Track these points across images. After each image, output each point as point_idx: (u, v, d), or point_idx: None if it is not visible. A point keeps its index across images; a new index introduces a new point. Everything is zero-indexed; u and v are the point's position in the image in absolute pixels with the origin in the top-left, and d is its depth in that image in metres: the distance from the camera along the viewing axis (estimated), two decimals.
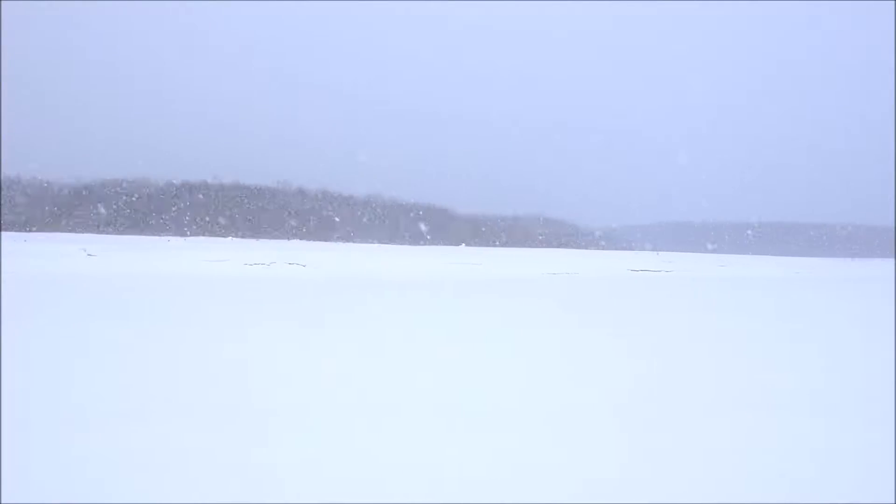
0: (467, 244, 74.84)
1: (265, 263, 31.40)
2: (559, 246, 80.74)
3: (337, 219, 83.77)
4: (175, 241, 52.51)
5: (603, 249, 79.63)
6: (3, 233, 45.00)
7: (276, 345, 8.84)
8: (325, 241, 70.94)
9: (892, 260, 74.59)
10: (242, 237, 68.77)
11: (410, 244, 72.86)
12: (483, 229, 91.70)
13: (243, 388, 6.16)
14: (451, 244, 76.23)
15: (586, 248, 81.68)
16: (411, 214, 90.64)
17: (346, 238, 77.55)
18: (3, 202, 68.85)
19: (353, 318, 12.51)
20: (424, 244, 74.89)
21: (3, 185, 71.45)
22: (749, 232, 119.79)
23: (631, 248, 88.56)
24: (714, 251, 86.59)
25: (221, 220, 77.19)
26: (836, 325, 13.19)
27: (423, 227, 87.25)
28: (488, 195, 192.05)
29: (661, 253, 68.30)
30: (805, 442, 4.81)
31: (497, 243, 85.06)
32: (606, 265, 45.26)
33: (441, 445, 4.51)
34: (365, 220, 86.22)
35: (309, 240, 70.43)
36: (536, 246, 79.88)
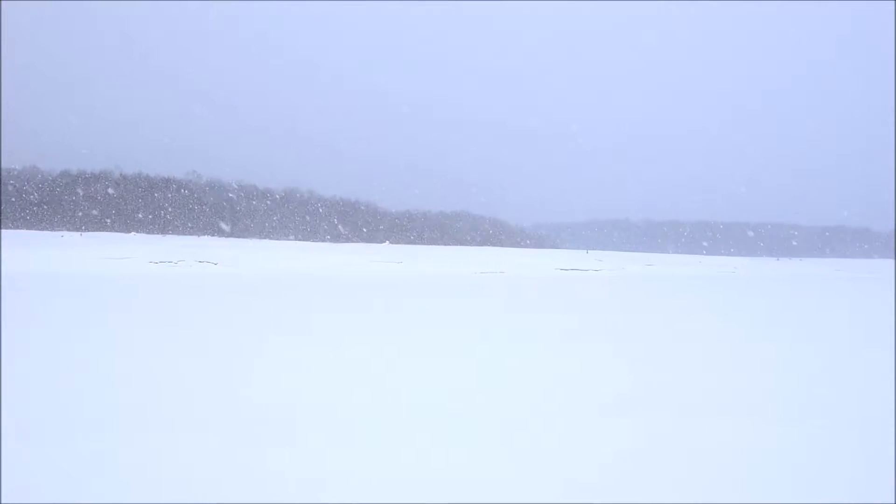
0: (392, 241, 74.57)
1: (172, 261, 30.34)
2: (488, 243, 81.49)
3: (253, 214, 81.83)
4: (70, 237, 50.07)
5: (532, 248, 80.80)
6: None
7: (159, 350, 8.49)
8: (240, 237, 69.21)
9: (816, 260, 78.85)
10: (148, 233, 66.27)
11: (331, 241, 72.02)
12: (408, 226, 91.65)
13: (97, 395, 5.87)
14: (374, 241, 75.80)
15: (515, 245, 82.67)
16: (332, 210, 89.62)
17: (263, 234, 75.90)
18: None
19: (264, 319, 12.18)
20: (346, 241, 74.19)
21: None
22: (684, 231, 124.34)
23: (561, 247, 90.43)
24: (647, 249, 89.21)
25: (124, 214, 74.03)
26: (764, 323, 13.73)
27: (344, 223, 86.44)
28: (414, 191, 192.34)
29: (591, 251, 69.83)
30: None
31: (424, 241, 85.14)
32: (535, 264, 45.93)
33: (366, 451, 4.41)
34: (283, 215, 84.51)
35: (221, 236, 68.50)
36: (464, 243, 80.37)
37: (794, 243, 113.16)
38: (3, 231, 53.33)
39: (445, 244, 76.79)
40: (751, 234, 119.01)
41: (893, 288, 31.96)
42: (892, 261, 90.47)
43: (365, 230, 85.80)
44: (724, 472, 4.33)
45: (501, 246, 79.86)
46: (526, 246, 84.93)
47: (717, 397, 6.30)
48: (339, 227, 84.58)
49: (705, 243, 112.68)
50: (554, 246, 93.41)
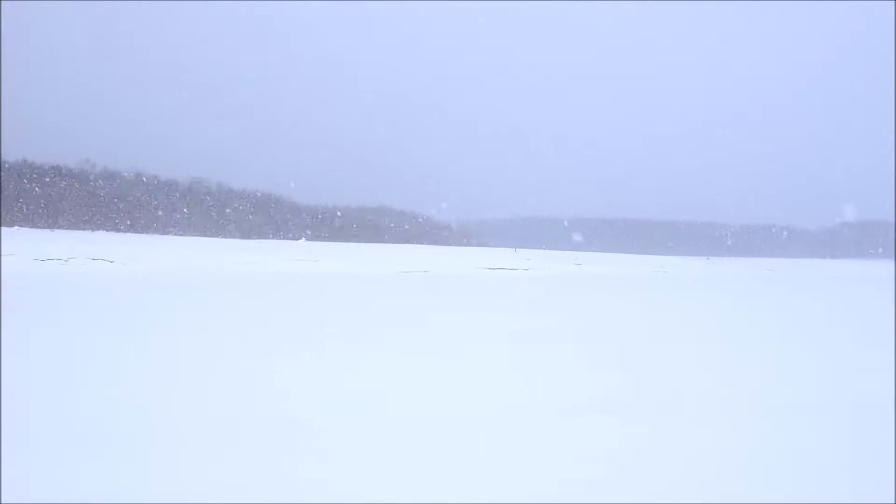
0: (308, 238, 73.60)
1: (61, 259, 29.04)
2: (411, 241, 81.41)
3: (154, 207, 79.13)
4: None
5: (458, 245, 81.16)
6: None
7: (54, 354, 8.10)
8: (139, 232, 66.91)
9: (766, 260, 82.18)
10: (34, 227, 63.15)
11: (242, 237, 70.50)
12: (326, 222, 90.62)
13: None
14: (289, 238, 74.64)
15: (440, 243, 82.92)
16: (244, 203, 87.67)
17: (166, 229, 73.60)
18: None
19: (155, 320, 11.79)
20: (257, 237, 72.77)
21: None
22: (608, 229, 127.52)
23: (488, 244, 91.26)
24: (575, 248, 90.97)
25: (5, 206, 70.21)
26: (704, 322, 14.15)
27: (257, 217, 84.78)
28: (333, 185, 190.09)
29: (518, 250, 70.63)
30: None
31: (343, 238, 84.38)
32: (461, 262, 46.21)
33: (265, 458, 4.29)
34: (188, 208, 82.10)
35: (118, 231, 65.97)
36: (386, 241, 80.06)
37: (729, 242, 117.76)
38: None
39: (366, 241, 76.24)
40: (681, 232, 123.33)
41: (820, 286, 33.60)
42: (824, 260, 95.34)
43: (280, 225, 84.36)
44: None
45: (425, 243, 79.91)
46: (451, 243, 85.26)
47: (666, 399, 6.40)
48: (252, 221, 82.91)
49: (637, 242, 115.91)
50: (481, 244, 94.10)
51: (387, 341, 10.04)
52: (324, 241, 75.97)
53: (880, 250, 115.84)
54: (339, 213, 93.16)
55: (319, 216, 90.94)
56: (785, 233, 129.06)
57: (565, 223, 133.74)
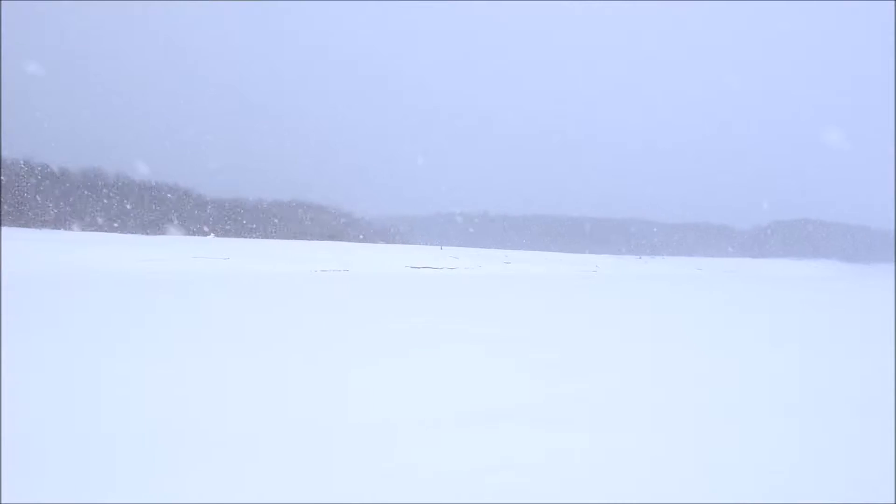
0: (218, 234, 71.77)
1: None
2: (330, 237, 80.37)
3: (39, 198, 75.46)
4: None
5: (381, 242, 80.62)
6: None
7: None
8: (27, 226, 63.72)
9: (671, 259, 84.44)
10: None
11: (142, 233, 67.99)
12: (238, 216, 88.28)
13: None
14: (195, 234, 72.55)
15: (362, 240, 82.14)
16: (145, 196, 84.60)
17: (56, 223, 70.30)
18: None
19: (37, 324, 10.80)
20: (160, 233, 70.40)
21: None
22: (535, 226, 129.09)
23: (413, 242, 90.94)
24: (504, 246, 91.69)
25: None
26: (633, 323, 14.05)
27: (160, 211, 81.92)
28: (243, 176, 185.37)
29: (445, 247, 70.66)
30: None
31: (257, 234, 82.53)
32: (384, 261, 45.72)
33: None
34: (80, 200, 78.60)
35: None
36: (303, 237, 78.79)
37: (656, 240, 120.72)
38: None
39: (282, 237, 74.76)
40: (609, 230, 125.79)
41: (747, 286, 34.52)
42: (753, 259, 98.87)
43: (185, 220, 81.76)
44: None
45: (346, 240, 79.11)
46: (374, 241, 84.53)
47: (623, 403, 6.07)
48: (154, 215, 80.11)
49: (570, 240, 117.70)
50: (405, 241, 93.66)
51: (293, 347, 9.46)
52: (234, 236, 74.17)
53: (809, 248, 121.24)
54: (249, 208, 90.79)
55: (229, 210, 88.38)
56: (717, 232, 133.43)
57: (496, 219, 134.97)
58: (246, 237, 75.87)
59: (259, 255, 40.46)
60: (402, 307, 17.30)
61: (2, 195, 66.62)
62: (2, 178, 67.91)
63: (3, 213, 65.35)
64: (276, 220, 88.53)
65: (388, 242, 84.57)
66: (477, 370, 8.11)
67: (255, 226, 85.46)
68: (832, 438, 5.58)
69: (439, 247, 71.25)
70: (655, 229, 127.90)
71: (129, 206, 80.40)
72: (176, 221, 79.95)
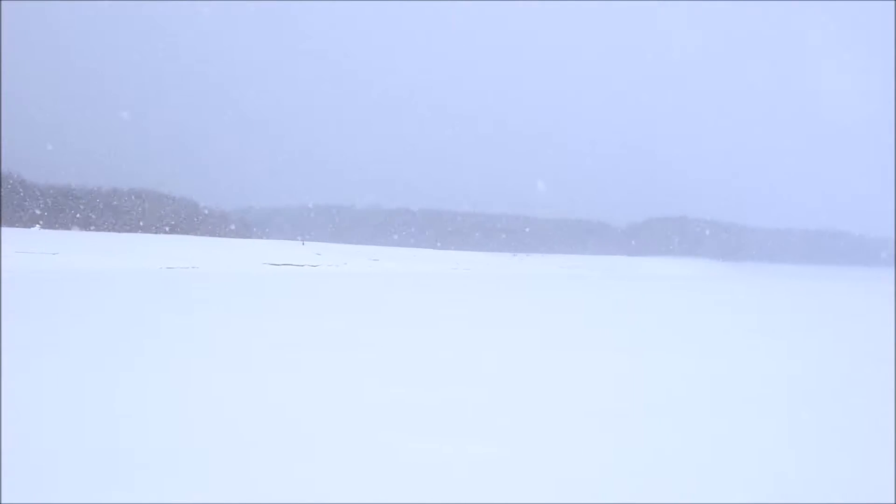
0: (44, 225, 68.30)
1: None
2: (178, 231, 78.02)
3: None
4: None
5: (236, 237, 78.98)
6: None
7: None
8: None
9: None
10: None
11: None
12: (70, 205, 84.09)
13: None
14: (19, 224, 68.74)
15: (215, 234, 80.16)
16: None
17: None
18: None
19: None
20: None
21: None
22: (408, 222, 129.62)
23: (272, 236, 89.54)
24: (373, 242, 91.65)
25: None
26: (503, 325, 14.56)
27: None
28: (79, 162, 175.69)
29: (308, 242, 70.04)
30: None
31: (91, 225, 78.95)
32: (239, 257, 45.03)
33: None
34: None
35: None
36: (147, 230, 76.11)
37: (531, 237, 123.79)
38: None
39: (121, 230, 71.94)
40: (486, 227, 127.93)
41: (622, 285, 36.24)
42: (629, 257, 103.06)
43: (8, 209, 77.15)
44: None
45: (198, 234, 77.04)
46: (228, 235, 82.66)
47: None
48: None
49: (441, 235, 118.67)
50: (263, 235, 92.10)
51: (127, 353, 9.37)
52: (67, 228, 70.76)
53: (679, 246, 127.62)
54: (84, 196, 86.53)
55: (58, 198, 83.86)
56: (592, 228, 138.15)
57: (363, 212, 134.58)
58: (81, 229, 72.49)
59: (95, 250, 39.02)
60: (252, 309, 17.23)
61: None
62: None
63: None
64: (119, 212, 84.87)
65: (245, 237, 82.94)
66: (346, 376, 8.28)
67: (94, 216, 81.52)
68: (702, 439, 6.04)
69: (301, 241, 70.59)
70: (528, 229, 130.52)
71: None
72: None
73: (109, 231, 72.21)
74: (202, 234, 76.75)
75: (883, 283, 52.78)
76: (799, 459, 5.33)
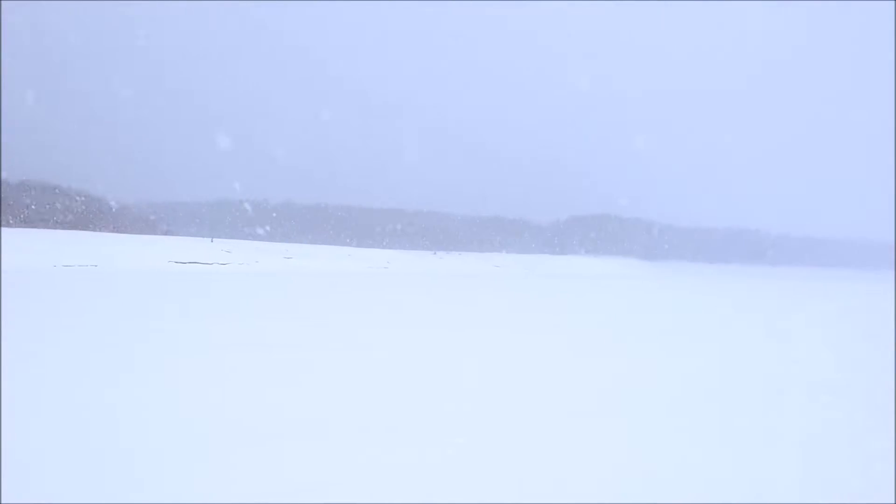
0: None
1: None
2: (76, 226, 75.51)
3: None
4: None
5: (139, 233, 76.94)
6: None
7: None
8: None
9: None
10: None
11: None
12: None
13: None
14: None
15: (118, 230, 77.97)
16: None
17: None
18: None
19: None
20: None
21: None
22: (329, 218, 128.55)
23: (178, 233, 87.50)
24: (286, 239, 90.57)
25: None
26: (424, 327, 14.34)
27: None
28: None
29: (217, 240, 68.92)
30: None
31: None
32: (142, 255, 43.79)
33: None
34: None
35: None
36: (38, 225, 73.36)
37: (452, 234, 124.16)
38: None
39: (11, 226, 69.07)
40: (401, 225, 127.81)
41: (545, 284, 36.53)
42: (553, 256, 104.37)
43: None
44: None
45: (97, 230, 74.73)
46: (131, 231, 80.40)
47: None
48: None
49: (358, 232, 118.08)
50: (168, 232, 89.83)
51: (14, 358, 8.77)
52: None
53: (602, 244, 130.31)
54: None
55: None
56: (514, 226, 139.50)
57: (273, 214, 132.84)
58: None
59: None
60: (153, 310, 16.64)
61: None
62: None
63: None
64: (7, 205, 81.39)
65: (148, 233, 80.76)
66: (260, 378, 7.95)
67: None
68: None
69: (210, 239, 69.26)
70: (447, 226, 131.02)
71: None
72: None
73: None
74: (104, 230, 74.48)
75: (794, 282, 54.72)
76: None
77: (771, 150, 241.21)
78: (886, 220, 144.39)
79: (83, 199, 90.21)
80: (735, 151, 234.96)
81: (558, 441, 5.70)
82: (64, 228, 70.59)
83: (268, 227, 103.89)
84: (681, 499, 4.51)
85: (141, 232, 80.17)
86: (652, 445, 5.70)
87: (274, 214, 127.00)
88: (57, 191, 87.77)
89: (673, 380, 8.85)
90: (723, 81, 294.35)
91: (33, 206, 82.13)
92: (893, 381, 9.15)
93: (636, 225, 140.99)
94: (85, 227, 75.28)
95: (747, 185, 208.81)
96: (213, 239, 68.86)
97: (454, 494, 4.43)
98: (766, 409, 7.31)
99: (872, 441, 6.13)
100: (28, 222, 75.28)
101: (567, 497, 4.42)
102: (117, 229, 79.50)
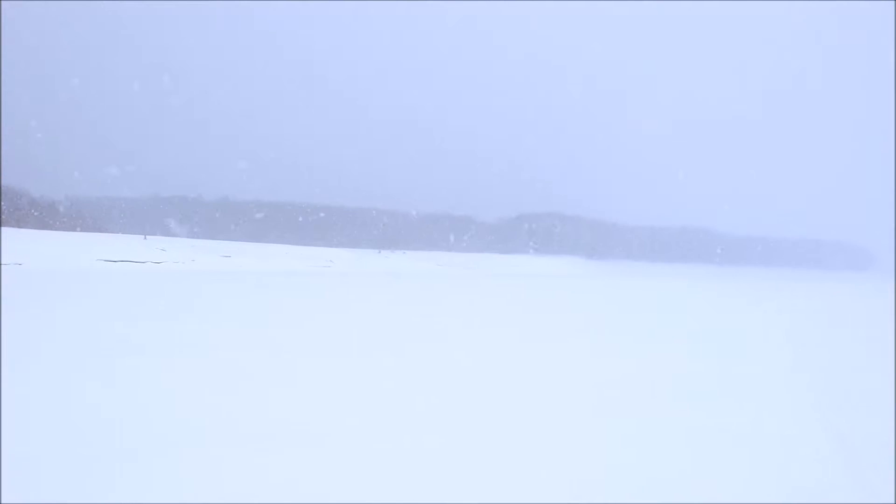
0: None
1: None
2: (2, 223, 73.77)
3: None
4: None
5: (67, 230, 75.47)
6: None
7: None
8: None
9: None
10: None
11: None
12: None
13: None
14: None
15: (44, 227, 76.43)
16: None
17: None
18: None
19: None
20: None
21: None
22: (258, 215, 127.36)
23: (109, 230, 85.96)
24: (223, 237, 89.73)
25: None
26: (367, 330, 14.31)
27: None
28: None
29: (150, 237, 68.11)
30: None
31: None
32: (70, 253, 43.01)
33: None
34: None
35: None
36: None
37: (395, 232, 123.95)
38: None
39: None
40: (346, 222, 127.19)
41: (493, 283, 36.72)
42: (499, 255, 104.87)
43: None
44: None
45: (21, 227, 73.13)
46: (59, 228, 78.83)
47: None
48: None
49: (299, 230, 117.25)
50: (98, 228, 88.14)
51: None
52: None
53: (549, 243, 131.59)
54: None
55: None
56: (459, 224, 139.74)
57: (216, 212, 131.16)
58: None
59: None
60: (82, 312, 16.32)
61: None
62: None
63: None
64: None
65: (77, 230, 79.21)
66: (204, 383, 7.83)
67: None
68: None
69: (143, 236, 68.27)
70: (386, 220, 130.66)
71: None
72: None
73: None
74: (29, 227, 72.92)
75: (744, 282, 55.84)
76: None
77: (723, 148, 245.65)
78: (836, 219, 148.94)
79: (9, 194, 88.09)
80: (686, 150, 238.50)
81: (508, 442, 5.69)
82: None
83: (202, 224, 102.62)
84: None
85: (70, 229, 78.69)
86: (595, 446, 5.72)
87: (217, 214, 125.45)
88: None
89: (615, 379, 8.87)
90: (677, 80, 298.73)
91: None
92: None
93: (583, 223, 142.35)
94: (10, 224, 73.60)
95: (697, 183, 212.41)
96: (147, 236, 67.86)
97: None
98: (728, 408, 7.38)
99: (855, 439, 6.22)
100: None
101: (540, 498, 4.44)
102: (46, 226, 77.92)
